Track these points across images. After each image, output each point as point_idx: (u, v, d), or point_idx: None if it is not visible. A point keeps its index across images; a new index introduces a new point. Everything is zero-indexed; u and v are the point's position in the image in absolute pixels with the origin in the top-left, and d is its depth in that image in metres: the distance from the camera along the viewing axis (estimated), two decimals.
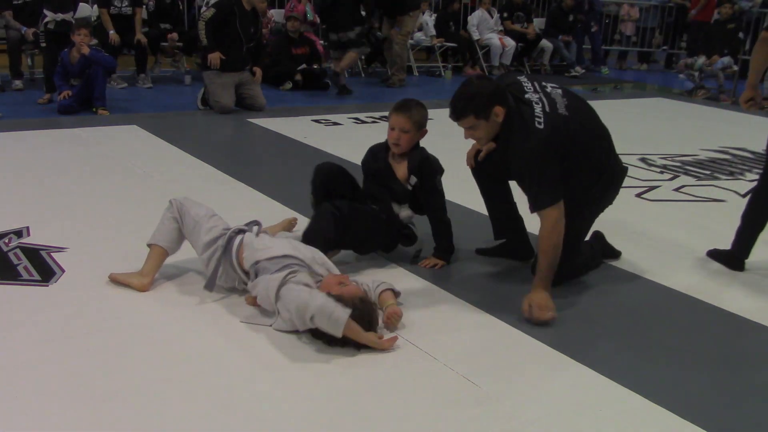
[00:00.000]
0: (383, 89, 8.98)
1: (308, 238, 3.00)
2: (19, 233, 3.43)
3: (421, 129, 3.19)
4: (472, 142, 3.15)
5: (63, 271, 3.05)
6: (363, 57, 9.59)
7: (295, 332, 2.53)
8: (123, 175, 4.55)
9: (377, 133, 6.30)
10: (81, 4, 7.88)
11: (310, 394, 2.24)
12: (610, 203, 3.12)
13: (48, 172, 4.53)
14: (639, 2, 12.44)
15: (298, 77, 8.40)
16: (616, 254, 3.46)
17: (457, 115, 2.81)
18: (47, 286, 2.91)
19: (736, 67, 9.44)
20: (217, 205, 3.90)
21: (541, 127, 2.74)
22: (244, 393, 2.22)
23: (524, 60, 11.11)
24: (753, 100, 3.43)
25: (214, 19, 6.52)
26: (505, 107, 2.78)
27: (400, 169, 3.25)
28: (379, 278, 2.84)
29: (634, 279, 3.28)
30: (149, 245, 2.93)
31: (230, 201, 4.07)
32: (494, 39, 10.36)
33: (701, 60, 9.48)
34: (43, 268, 3.07)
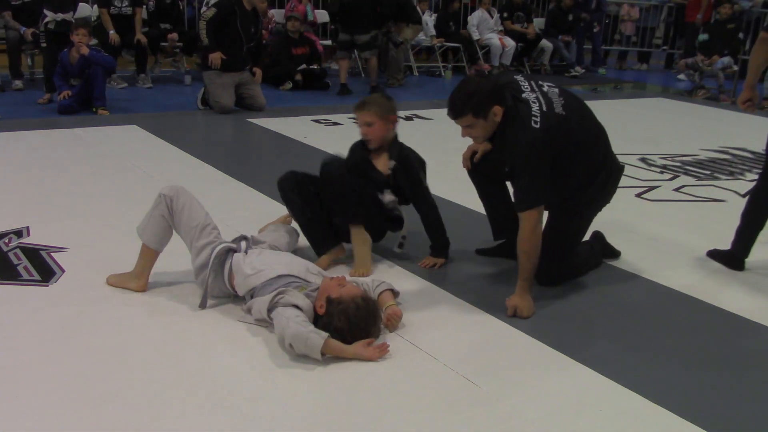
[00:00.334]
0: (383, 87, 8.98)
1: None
2: (19, 233, 3.43)
3: (385, 117, 3.23)
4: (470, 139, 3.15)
5: (63, 271, 3.05)
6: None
7: None
8: (123, 175, 4.55)
9: None
10: (81, 4, 7.89)
11: (310, 394, 2.24)
12: (608, 202, 3.13)
13: (48, 172, 4.54)
14: (639, 2, 12.44)
15: (298, 77, 8.41)
16: (615, 254, 3.46)
17: (455, 113, 2.80)
18: (47, 286, 2.91)
19: (736, 67, 9.45)
20: (217, 205, 3.91)
21: (537, 126, 2.73)
22: (243, 393, 2.22)
23: (524, 60, 11.12)
24: (751, 101, 3.43)
25: (215, 18, 6.52)
26: (504, 106, 2.77)
27: (380, 162, 3.29)
28: (378, 278, 2.84)
29: (634, 279, 3.28)
30: (139, 236, 2.90)
31: (230, 201, 4.08)
32: (494, 39, 10.36)
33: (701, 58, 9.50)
34: (43, 268, 3.07)
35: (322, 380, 2.31)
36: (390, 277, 2.91)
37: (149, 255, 2.90)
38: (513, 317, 2.79)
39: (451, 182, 4.08)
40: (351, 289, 2.57)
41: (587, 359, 2.50)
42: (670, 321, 2.89)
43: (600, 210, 3.13)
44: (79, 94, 6.41)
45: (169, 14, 8.58)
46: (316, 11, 9.92)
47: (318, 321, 2.49)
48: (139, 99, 7.46)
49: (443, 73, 10.42)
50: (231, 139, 6.12)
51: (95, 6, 8.05)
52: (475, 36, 10.42)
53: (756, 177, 3.53)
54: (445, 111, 2.87)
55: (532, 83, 2.89)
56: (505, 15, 10.88)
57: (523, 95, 2.81)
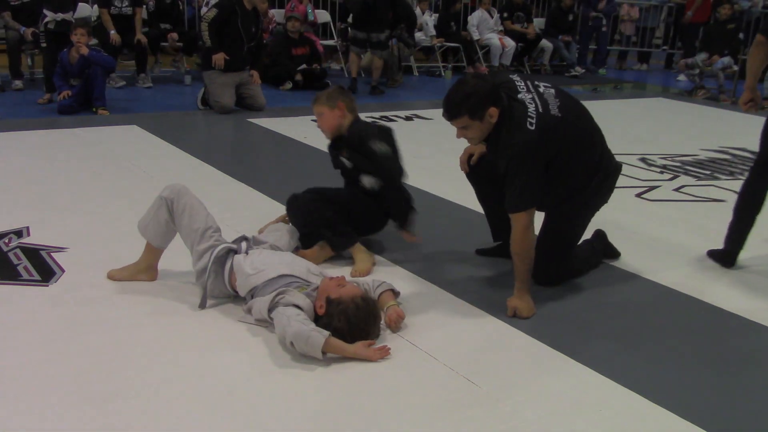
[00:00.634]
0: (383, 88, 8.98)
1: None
2: (19, 233, 3.43)
3: (332, 105, 3.34)
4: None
5: (63, 271, 3.05)
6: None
7: None
8: (123, 174, 4.55)
9: None
10: (81, 4, 7.89)
11: (310, 394, 2.24)
12: (605, 202, 3.12)
13: (48, 172, 4.54)
14: (639, 2, 12.44)
15: (298, 77, 8.40)
16: (616, 254, 3.46)
17: (450, 115, 2.77)
18: (47, 286, 2.91)
19: (736, 67, 9.44)
20: (217, 205, 3.90)
21: (533, 128, 2.71)
22: (243, 393, 2.22)
23: (524, 60, 11.12)
24: (753, 101, 3.44)
25: (217, 19, 6.53)
26: (500, 107, 2.74)
27: (344, 152, 3.38)
28: (378, 278, 2.84)
29: (634, 279, 3.28)
30: (141, 234, 2.92)
31: (230, 201, 4.07)
32: (494, 39, 10.36)
33: (702, 56, 9.49)
34: (43, 268, 3.07)
35: (322, 380, 2.31)
36: (390, 278, 2.91)
37: (155, 251, 2.93)
38: (513, 317, 2.79)
39: (450, 182, 4.08)
40: (351, 290, 2.57)
41: (587, 359, 2.51)
42: (670, 321, 2.89)
43: (598, 210, 3.13)
44: (79, 94, 6.41)
45: (169, 14, 8.57)
46: (317, 11, 9.92)
47: (318, 321, 2.49)
48: (139, 99, 7.46)
49: (443, 73, 10.42)
50: (231, 139, 6.12)
51: (95, 6, 8.05)
52: (475, 36, 10.41)
53: None
54: None
55: (528, 83, 2.87)
56: (505, 15, 10.87)
57: (519, 95, 2.79)
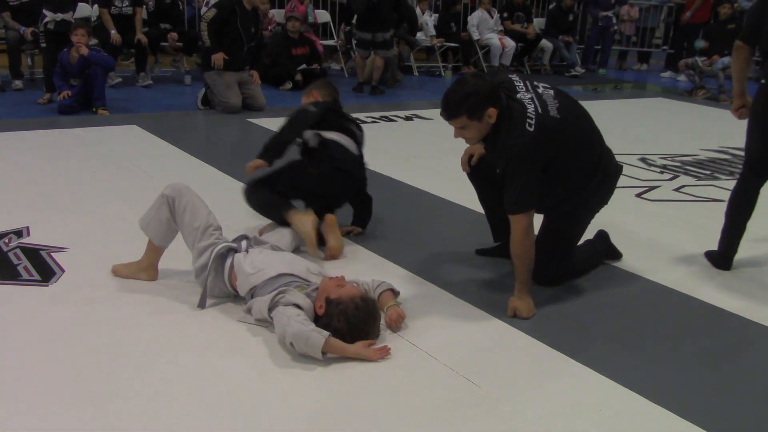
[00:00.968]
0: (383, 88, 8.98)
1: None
2: (19, 233, 3.43)
3: (309, 95, 3.77)
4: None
5: (63, 271, 3.05)
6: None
7: None
8: (123, 175, 4.55)
9: (377, 132, 6.31)
10: (80, 4, 7.89)
11: (310, 394, 2.24)
12: (606, 203, 3.12)
13: (48, 172, 4.54)
14: (639, 2, 12.44)
15: (298, 77, 8.41)
16: (617, 255, 3.45)
17: (449, 115, 2.75)
18: (47, 286, 2.91)
19: None
20: (218, 205, 3.90)
21: (531, 129, 2.70)
22: (243, 393, 2.22)
23: (524, 60, 11.12)
24: (744, 108, 3.39)
25: (216, 19, 6.53)
26: (499, 107, 2.73)
27: None
28: (378, 278, 2.84)
29: (634, 279, 3.28)
30: (143, 231, 2.93)
31: (230, 201, 4.07)
32: (494, 39, 10.36)
33: (700, 44, 9.52)
34: (43, 268, 3.07)
35: (322, 380, 2.31)
36: (390, 278, 2.91)
37: (156, 249, 2.93)
38: (513, 318, 2.79)
39: (450, 182, 4.09)
40: (350, 290, 2.57)
41: (587, 359, 2.51)
42: (670, 321, 2.89)
43: (598, 211, 3.13)
44: (78, 94, 6.41)
45: (169, 14, 8.58)
46: (317, 11, 9.92)
47: (318, 321, 2.49)
48: (139, 99, 7.46)
49: (443, 73, 10.42)
50: (231, 139, 6.12)
51: (95, 6, 8.05)
52: (475, 36, 10.41)
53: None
54: None
55: (527, 83, 2.86)
56: (505, 15, 10.87)
57: (518, 95, 2.78)
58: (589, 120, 3.00)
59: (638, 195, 4.62)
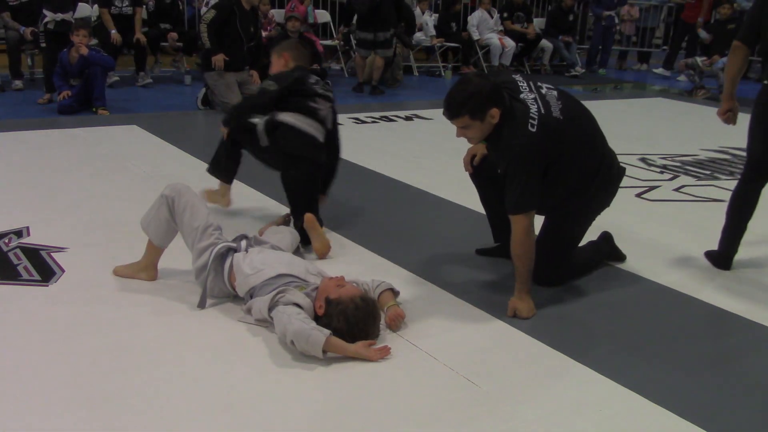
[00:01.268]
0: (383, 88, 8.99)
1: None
2: (19, 233, 3.43)
3: (279, 55, 3.69)
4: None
5: (63, 271, 3.05)
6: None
7: None
8: (123, 175, 4.55)
9: (377, 132, 6.31)
10: (80, 4, 7.89)
11: (310, 394, 2.24)
12: (607, 205, 3.11)
13: (48, 172, 4.53)
14: (639, 2, 12.44)
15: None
16: (621, 257, 3.44)
17: (451, 114, 2.75)
18: (47, 286, 2.91)
19: None
20: (218, 206, 3.90)
21: (534, 130, 2.70)
22: (243, 393, 2.22)
23: (524, 60, 11.12)
24: (731, 111, 3.36)
25: (216, 20, 6.53)
26: (501, 108, 2.73)
27: None
28: (378, 278, 2.83)
29: (634, 279, 3.28)
30: (144, 231, 2.93)
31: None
32: (494, 39, 10.36)
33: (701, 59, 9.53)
34: (43, 268, 3.07)
35: (322, 380, 2.31)
36: (390, 278, 2.91)
37: (156, 249, 2.94)
38: (513, 318, 2.79)
39: (451, 183, 4.09)
40: (350, 290, 2.57)
41: (587, 359, 2.51)
42: (670, 321, 2.89)
43: (599, 213, 3.12)
44: (78, 94, 6.41)
45: (169, 14, 8.58)
46: (317, 11, 9.92)
47: (317, 322, 2.49)
48: (139, 99, 7.46)
49: (443, 73, 10.42)
50: None
51: (95, 6, 8.05)
52: (475, 36, 10.41)
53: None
54: None
55: (531, 84, 2.86)
56: (505, 15, 10.87)
57: (521, 95, 2.78)
58: (592, 121, 2.99)
59: (638, 195, 4.62)
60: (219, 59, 6.53)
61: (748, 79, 10.47)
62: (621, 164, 3.13)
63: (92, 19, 7.82)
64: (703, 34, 10.08)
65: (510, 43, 10.44)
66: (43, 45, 7.05)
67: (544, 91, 2.85)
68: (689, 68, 9.89)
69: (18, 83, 7.40)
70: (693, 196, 4.70)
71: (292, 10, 9.00)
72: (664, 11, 12.91)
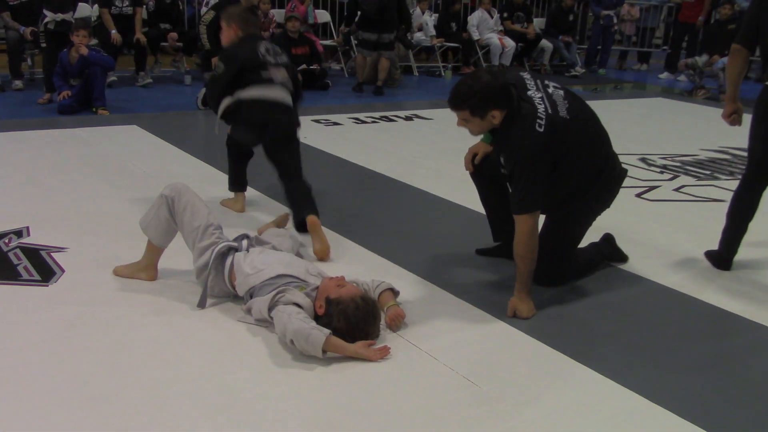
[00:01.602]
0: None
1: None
2: (19, 233, 3.43)
3: (228, 24, 3.75)
4: (470, 140, 3.15)
5: (63, 271, 3.05)
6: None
7: None
8: (123, 175, 4.55)
9: (378, 132, 6.31)
10: (80, 4, 7.88)
11: (310, 394, 2.24)
12: (608, 206, 3.11)
13: (48, 172, 4.53)
14: (639, 2, 12.44)
15: (299, 77, 8.40)
16: (624, 259, 3.43)
17: (453, 106, 2.76)
18: (47, 286, 2.91)
19: None
20: (217, 205, 3.90)
21: (541, 130, 2.70)
22: (243, 393, 2.22)
23: (524, 60, 11.12)
24: (736, 114, 3.37)
25: (215, 21, 6.53)
26: (506, 109, 2.72)
27: None
28: (378, 278, 2.84)
29: (634, 279, 3.28)
30: (143, 231, 2.93)
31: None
32: (494, 39, 10.36)
33: (703, 59, 9.52)
34: (43, 268, 3.07)
35: (322, 380, 2.31)
36: (390, 278, 2.91)
37: (155, 249, 2.93)
38: (513, 318, 2.79)
39: (451, 183, 4.09)
40: (350, 290, 2.57)
41: (587, 359, 2.50)
42: (670, 321, 2.89)
43: (599, 214, 3.12)
44: (78, 94, 6.41)
45: (169, 14, 8.58)
46: (317, 11, 9.92)
47: (317, 321, 2.49)
48: (139, 99, 7.46)
49: (443, 73, 10.42)
50: None
51: (95, 6, 8.05)
52: (475, 36, 10.41)
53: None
54: (445, 111, 2.86)
55: (538, 82, 2.86)
56: (505, 15, 10.87)
57: (529, 93, 2.78)
58: (597, 121, 3.00)
59: (638, 195, 4.62)
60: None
61: (747, 79, 10.46)
62: (623, 167, 3.12)
63: (92, 19, 7.82)
64: (703, 59, 10.00)
65: (510, 43, 10.44)
66: (43, 45, 7.05)
67: (551, 90, 2.85)
68: (689, 68, 9.89)
69: (18, 83, 7.40)
70: (693, 196, 4.70)
71: (292, 10, 9.00)
72: (664, 11, 12.91)
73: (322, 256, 3.29)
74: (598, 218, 3.15)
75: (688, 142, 6.36)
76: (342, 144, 5.61)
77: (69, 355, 2.38)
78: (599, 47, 11.81)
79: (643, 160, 5.56)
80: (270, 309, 2.51)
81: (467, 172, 3.30)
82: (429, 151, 5.55)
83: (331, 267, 3.17)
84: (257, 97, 3.60)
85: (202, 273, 2.77)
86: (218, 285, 2.78)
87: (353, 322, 2.46)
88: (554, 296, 3.01)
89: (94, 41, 7.04)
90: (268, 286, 2.61)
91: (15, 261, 3.12)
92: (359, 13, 8.55)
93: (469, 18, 10.68)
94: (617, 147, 3.12)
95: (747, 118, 3.38)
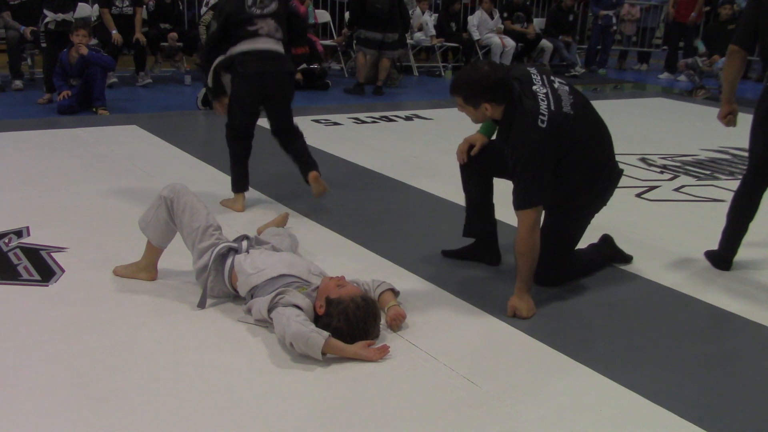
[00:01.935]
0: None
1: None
2: (19, 233, 3.43)
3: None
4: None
5: (63, 271, 3.05)
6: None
7: None
8: (123, 175, 4.55)
9: (378, 132, 6.31)
10: (80, 4, 7.89)
11: (310, 394, 2.24)
12: (604, 204, 3.11)
13: (48, 172, 4.53)
14: (639, 2, 12.44)
15: (298, 77, 8.40)
16: (626, 259, 3.42)
17: (451, 90, 2.85)
18: (47, 286, 2.91)
19: None
20: (217, 205, 3.90)
21: (544, 126, 2.70)
22: (243, 393, 2.22)
23: (524, 60, 11.11)
24: (731, 115, 3.36)
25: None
26: (501, 103, 2.75)
27: None
28: (378, 278, 2.84)
29: (634, 279, 3.28)
30: (142, 232, 2.93)
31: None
32: (494, 39, 10.36)
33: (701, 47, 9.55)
34: (43, 268, 3.07)
35: (322, 380, 2.31)
36: (390, 278, 2.91)
37: (155, 249, 2.94)
38: (513, 317, 2.79)
39: (450, 182, 4.07)
40: (350, 290, 2.57)
41: (587, 359, 2.51)
42: (670, 321, 2.89)
43: (598, 211, 3.12)
44: (78, 94, 6.41)
45: (169, 14, 8.58)
46: (317, 11, 9.92)
47: (318, 321, 2.49)
48: (139, 99, 7.46)
49: (443, 73, 10.42)
50: None
51: (95, 6, 8.05)
52: (475, 36, 10.41)
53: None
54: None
55: (544, 77, 2.86)
56: (505, 15, 10.88)
57: (534, 87, 2.78)
58: (600, 120, 3.00)
59: (638, 195, 4.62)
60: None
61: (747, 79, 10.48)
62: (620, 167, 3.12)
63: (92, 19, 7.82)
64: (701, 46, 10.05)
65: (510, 43, 10.44)
66: (44, 45, 7.05)
67: (556, 85, 2.86)
68: (689, 68, 9.89)
69: (18, 83, 7.41)
70: (693, 196, 4.70)
71: None
72: (664, 11, 12.91)
73: (318, 192, 3.87)
74: (598, 218, 3.15)
75: (688, 142, 6.36)
76: (342, 144, 5.61)
77: (69, 355, 2.39)
78: (599, 47, 11.82)
79: (643, 160, 5.56)
80: (269, 310, 2.52)
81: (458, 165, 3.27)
82: (429, 151, 5.55)
83: (332, 267, 3.17)
84: (245, 50, 3.74)
85: (201, 274, 2.77)
86: (218, 286, 2.78)
87: (353, 322, 2.46)
88: (554, 296, 3.01)
89: (94, 41, 7.04)
90: (269, 286, 2.61)
91: (15, 261, 3.12)
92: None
93: (469, 18, 10.69)
94: (617, 147, 3.12)
95: (744, 119, 3.38)
